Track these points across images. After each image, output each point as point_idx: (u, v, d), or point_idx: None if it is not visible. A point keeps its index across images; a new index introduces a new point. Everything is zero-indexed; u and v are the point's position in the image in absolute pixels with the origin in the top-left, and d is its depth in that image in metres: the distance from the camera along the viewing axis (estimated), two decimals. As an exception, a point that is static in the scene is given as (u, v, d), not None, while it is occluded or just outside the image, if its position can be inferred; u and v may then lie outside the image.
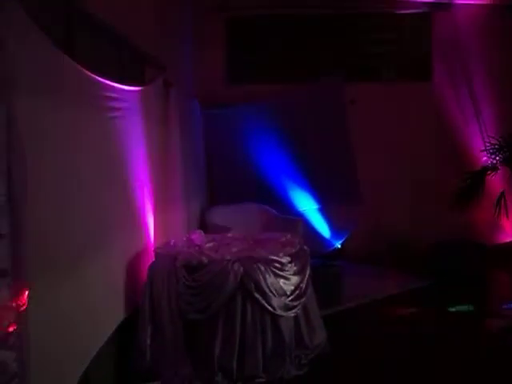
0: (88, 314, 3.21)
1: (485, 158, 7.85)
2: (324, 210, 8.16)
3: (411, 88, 8.22)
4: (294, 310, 4.16)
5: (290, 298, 4.13)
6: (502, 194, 7.60)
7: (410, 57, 8.48)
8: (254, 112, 7.75)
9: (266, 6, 8.10)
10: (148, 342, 4.01)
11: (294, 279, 4.22)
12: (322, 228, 8.17)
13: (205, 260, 4.03)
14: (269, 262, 4.08)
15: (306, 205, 8.08)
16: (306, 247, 4.69)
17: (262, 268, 4.00)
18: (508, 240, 8.09)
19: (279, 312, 4.03)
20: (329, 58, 8.42)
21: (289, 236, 4.84)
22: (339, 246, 8.18)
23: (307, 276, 4.41)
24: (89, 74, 3.22)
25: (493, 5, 8.10)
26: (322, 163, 7.93)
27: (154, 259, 4.30)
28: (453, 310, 5.64)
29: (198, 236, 4.92)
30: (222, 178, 7.78)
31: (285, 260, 4.18)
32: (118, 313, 3.95)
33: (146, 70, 4.99)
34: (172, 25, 6.42)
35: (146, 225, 4.58)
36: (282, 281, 4.12)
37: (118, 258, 3.94)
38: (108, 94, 3.62)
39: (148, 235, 4.64)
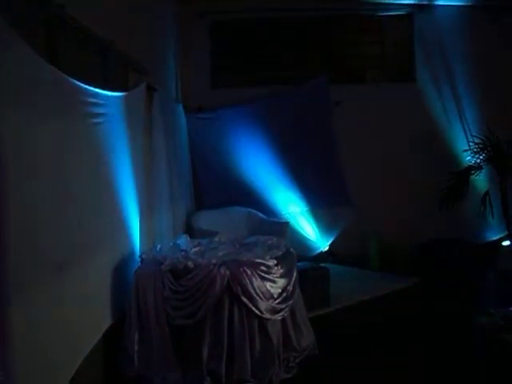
0: (72, 322, 3.20)
1: (469, 158, 7.92)
2: (311, 213, 8.18)
3: (395, 89, 8.26)
4: (281, 313, 4.15)
5: (277, 301, 4.13)
6: (487, 193, 7.68)
7: (393, 58, 8.52)
8: (239, 115, 7.75)
9: (249, 9, 8.10)
10: (136, 347, 4.00)
11: (281, 282, 4.22)
12: (310, 230, 8.19)
13: (191, 264, 4.02)
14: (255, 266, 4.07)
15: (293, 207, 8.09)
16: (292, 250, 4.69)
17: (249, 271, 4.00)
18: (494, 238, 8.16)
19: (266, 315, 4.03)
20: (313, 61, 8.43)
21: (275, 239, 4.84)
22: (327, 248, 8.21)
23: (294, 278, 4.41)
24: (72, 80, 3.21)
25: (474, 6, 8.18)
26: (309, 165, 7.95)
27: (139, 264, 4.29)
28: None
29: (184, 241, 4.91)
30: (208, 182, 7.76)
31: (271, 263, 4.18)
32: (105, 319, 3.93)
33: (129, 75, 4.98)
34: (155, 29, 6.42)
35: (131, 230, 4.57)
36: (268, 284, 4.12)
37: (103, 264, 3.93)
38: (91, 99, 3.61)
39: (134, 240, 4.62)
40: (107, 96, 3.93)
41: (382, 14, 8.35)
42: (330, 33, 8.45)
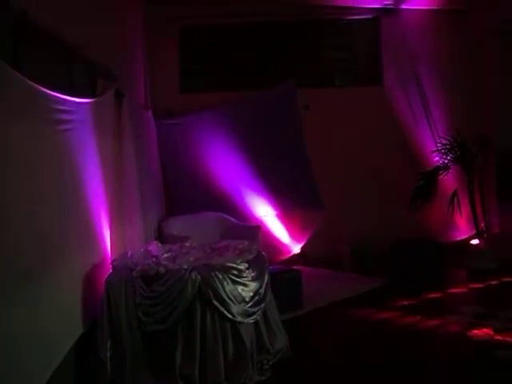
0: (43, 331, 3.18)
1: (437, 158, 8.04)
2: (282, 216, 8.22)
3: (363, 92, 8.37)
4: (253, 316, 4.17)
5: (249, 305, 4.14)
6: (455, 193, 7.81)
7: (361, 62, 8.64)
8: (208, 120, 7.76)
9: (218, 15, 8.12)
10: (108, 354, 3.97)
11: (253, 285, 4.23)
12: (281, 233, 8.22)
13: (162, 270, 4.01)
14: (226, 270, 4.08)
15: (265, 211, 8.11)
16: (263, 253, 4.71)
17: (220, 275, 4.00)
18: (462, 237, 8.29)
19: (239, 319, 4.04)
20: (282, 65, 8.50)
21: (246, 243, 4.86)
22: (298, 251, 8.25)
23: (266, 282, 4.43)
24: (37, 87, 3.19)
25: (439, 10, 8.32)
26: (279, 169, 7.99)
27: (110, 271, 4.26)
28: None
29: (155, 247, 4.90)
30: (179, 187, 7.75)
31: (242, 267, 4.19)
32: (77, 327, 3.90)
33: (97, 82, 4.95)
34: (123, 34, 6.39)
35: (102, 237, 4.54)
36: (240, 287, 4.13)
37: (74, 272, 3.89)
38: (58, 106, 3.58)
39: (105, 248, 4.60)
40: (74, 103, 3.90)
41: (348, 18, 8.44)
42: (299, 37, 8.54)
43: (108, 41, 5.36)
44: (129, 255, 4.52)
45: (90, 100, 4.36)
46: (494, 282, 6.87)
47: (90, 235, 4.31)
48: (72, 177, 3.93)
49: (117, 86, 5.21)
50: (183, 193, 7.75)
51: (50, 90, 3.39)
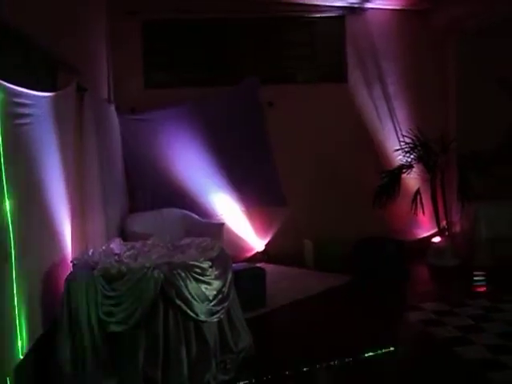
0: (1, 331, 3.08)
1: (400, 157, 8.12)
2: (246, 213, 8.19)
3: (328, 89, 8.40)
4: (217, 315, 4.12)
5: (212, 303, 4.10)
6: (418, 191, 7.91)
7: (325, 59, 8.65)
8: (172, 116, 7.67)
9: (183, 10, 8.03)
10: (68, 356, 3.87)
11: (216, 284, 4.19)
12: (245, 231, 8.19)
13: (124, 268, 3.93)
14: (189, 268, 4.03)
15: (228, 208, 8.06)
16: (226, 251, 4.67)
17: (183, 274, 3.95)
18: (425, 235, 8.40)
19: (202, 318, 3.99)
20: (246, 62, 8.47)
21: (209, 240, 4.81)
22: (262, 249, 8.23)
23: (229, 280, 4.39)
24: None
25: (403, 9, 8.39)
26: (243, 166, 7.96)
27: (71, 270, 4.16)
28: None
29: (117, 244, 4.81)
30: (142, 184, 7.65)
31: (205, 265, 4.14)
32: (35, 328, 3.79)
33: (58, 75, 4.84)
34: (86, 27, 6.26)
35: (62, 235, 4.43)
36: (203, 286, 4.08)
37: (32, 271, 3.79)
38: (15, 99, 3.47)
39: (65, 246, 4.49)
40: (34, 96, 3.79)
41: (314, 16, 8.44)
42: (264, 34, 8.51)
43: (69, 34, 5.23)
44: (90, 253, 4.42)
45: (50, 94, 4.25)
46: (454, 279, 6.98)
47: (50, 233, 4.20)
48: (30, 173, 3.82)
49: (79, 79, 5.09)
50: (146, 189, 7.65)
51: (8, 82, 3.28)
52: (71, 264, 4.23)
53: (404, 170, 8.03)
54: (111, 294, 3.87)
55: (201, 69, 8.43)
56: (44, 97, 4.08)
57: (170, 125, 7.64)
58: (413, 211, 7.98)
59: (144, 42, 8.18)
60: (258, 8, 8.11)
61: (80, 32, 5.87)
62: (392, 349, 4.59)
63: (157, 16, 8.11)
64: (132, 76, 8.02)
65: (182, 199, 7.55)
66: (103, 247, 4.69)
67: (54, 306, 4.03)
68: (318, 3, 8.22)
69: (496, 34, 7.60)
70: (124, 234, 6.43)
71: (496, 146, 7.80)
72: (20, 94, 3.53)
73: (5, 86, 3.26)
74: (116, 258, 4.34)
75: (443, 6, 7.92)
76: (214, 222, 7.47)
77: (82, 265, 4.12)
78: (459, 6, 7.53)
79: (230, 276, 4.42)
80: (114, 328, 3.83)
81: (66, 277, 4.04)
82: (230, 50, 8.46)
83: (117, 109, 7.25)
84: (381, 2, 8.24)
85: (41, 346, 3.83)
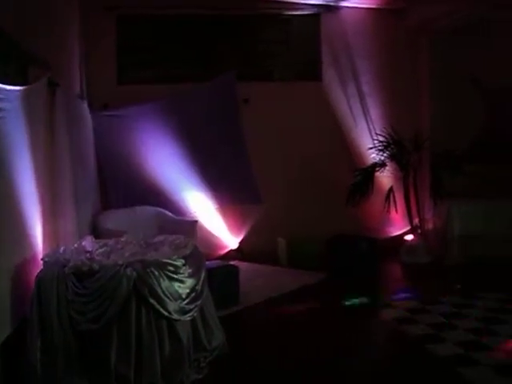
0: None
1: (374, 155, 8.17)
2: (220, 211, 8.16)
3: (302, 87, 8.41)
4: (190, 314, 4.09)
5: (185, 302, 4.06)
6: (391, 189, 7.97)
7: (300, 57, 8.65)
8: (146, 113, 7.60)
9: (158, 5, 7.97)
10: (38, 355, 3.80)
11: (189, 282, 4.16)
12: (219, 228, 8.17)
13: (95, 266, 3.87)
14: (162, 266, 3.98)
15: (203, 206, 8.03)
16: (200, 248, 4.65)
17: (156, 272, 3.90)
18: (398, 233, 8.46)
19: (175, 316, 3.95)
20: (223, 58, 8.42)
21: (182, 238, 4.77)
22: (236, 246, 8.22)
23: (203, 278, 4.36)
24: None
25: (378, 8, 8.43)
26: (218, 163, 7.94)
27: (42, 268, 4.10)
28: (348, 303, 5.77)
29: (89, 242, 4.74)
30: (115, 181, 7.57)
31: (179, 263, 4.10)
32: (3, 327, 3.72)
33: (29, 70, 4.75)
34: (58, 22, 6.15)
35: (33, 233, 4.36)
36: (176, 284, 4.04)
37: (1, 268, 3.72)
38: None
39: (36, 243, 4.41)
40: (2, 90, 3.71)
41: (289, 13, 8.44)
42: (239, 31, 8.48)
43: (42, 28, 5.14)
44: (61, 250, 4.35)
45: (20, 88, 4.17)
46: (426, 277, 7.04)
47: (20, 229, 4.12)
48: None
49: (50, 74, 5.01)
50: (119, 186, 7.58)
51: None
52: (42, 261, 4.16)
53: (377, 169, 8.08)
54: (82, 291, 3.81)
55: (176, 65, 8.35)
56: (14, 91, 4.00)
57: (144, 121, 7.57)
58: (386, 209, 8.04)
59: (119, 37, 8.08)
60: (234, 5, 8.09)
61: (53, 26, 5.77)
62: (365, 346, 4.62)
63: (132, 11, 8.03)
64: (106, 72, 7.93)
65: (155, 196, 7.49)
66: (75, 245, 4.62)
67: (24, 304, 3.96)
68: (294, 1, 8.21)
69: (469, 33, 7.68)
70: (97, 232, 6.35)
71: (469, 144, 7.90)
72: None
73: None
74: (88, 255, 4.28)
75: (417, 6, 7.98)
76: (187, 219, 7.43)
77: (53, 262, 4.05)
78: (433, 6, 7.59)
79: (203, 274, 4.39)
80: (86, 326, 3.77)
81: (36, 274, 3.98)
82: (205, 47, 8.39)
83: (89, 105, 7.16)
84: (356, 0, 8.28)
85: (10, 346, 3.76)
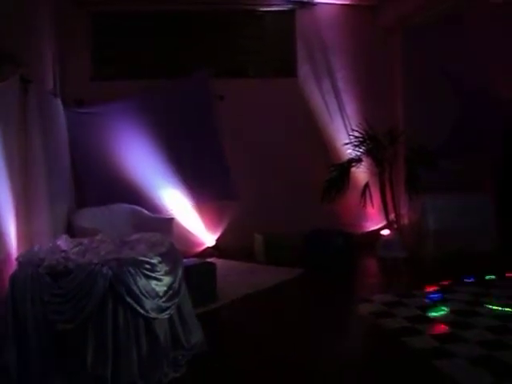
0: None
1: (350, 151, 8.21)
2: (197, 208, 8.13)
3: (278, 84, 8.42)
4: (167, 312, 4.06)
5: (162, 300, 4.04)
6: (367, 185, 8.02)
7: (275, 53, 8.66)
8: (121, 109, 7.54)
9: (130, 2, 7.91)
10: (14, 358, 3.75)
11: (166, 280, 4.13)
12: (195, 226, 8.14)
13: (71, 265, 3.83)
14: (138, 264, 3.95)
15: (179, 203, 7.99)
16: (176, 246, 4.62)
17: (132, 270, 3.87)
18: (374, 228, 8.51)
19: (153, 314, 3.92)
20: (198, 55, 8.39)
21: (158, 236, 4.73)
22: (213, 243, 8.20)
23: (180, 275, 4.33)
24: None
25: (352, 5, 8.46)
26: (194, 160, 7.92)
27: (16, 268, 4.04)
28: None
29: (64, 241, 4.67)
30: (90, 179, 7.50)
31: (155, 260, 4.07)
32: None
33: (0, 66, 4.68)
34: (31, 17, 6.07)
35: (6, 232, 4.30)
36: (153, 282, 4.01)
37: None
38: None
39: (10, 243, 4.36)
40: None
41: (264, 9, 8.43)
42: (214, 27, 8.46)
43: (14, 24, 5.07)
44: (35, 250, 4.29)
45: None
46: (402, 271, 7.10)
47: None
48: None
49: (23, 71, 4.94)
50: (94, 184, 7.51)
51: None
52: (16, 261, 4.10)
53: (353, 164, 8.13)
54: (58, 291, 3.76)
55: (151, 61, 8.32)
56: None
57: (120, 118, 7.51)
58: (362, 204, 8.10)
59: (92, 33, 8.04)
60: (209, 0, 8.06)
61: (25, 22, 5.69)
62: (343, 341, 4.63)
63: (106, 7, 7.98)
64: (79, 68, 7.85)
65: (131, 194, 7.44)
66: (50, 244, 4.56)
67: (-1, 305, 3.91)
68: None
69: (442, 30, 7.75)
70: (72, 230, 6.29)
71: (443, 139, 7.98)
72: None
73: None
74: (63, 254, 4.22)
75: (390, 2, 8.04)
76: (163, 217, 7.39)
77: (28, 262, 3.99)
78: (406, 2, 7.64)
79: (180, 271, 4.37)
80: (62, 326, 3.73)
81: (10, 274, 3.92)
82: (180, 43, 8.36)
83: (63, 102, 7.08)
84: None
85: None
